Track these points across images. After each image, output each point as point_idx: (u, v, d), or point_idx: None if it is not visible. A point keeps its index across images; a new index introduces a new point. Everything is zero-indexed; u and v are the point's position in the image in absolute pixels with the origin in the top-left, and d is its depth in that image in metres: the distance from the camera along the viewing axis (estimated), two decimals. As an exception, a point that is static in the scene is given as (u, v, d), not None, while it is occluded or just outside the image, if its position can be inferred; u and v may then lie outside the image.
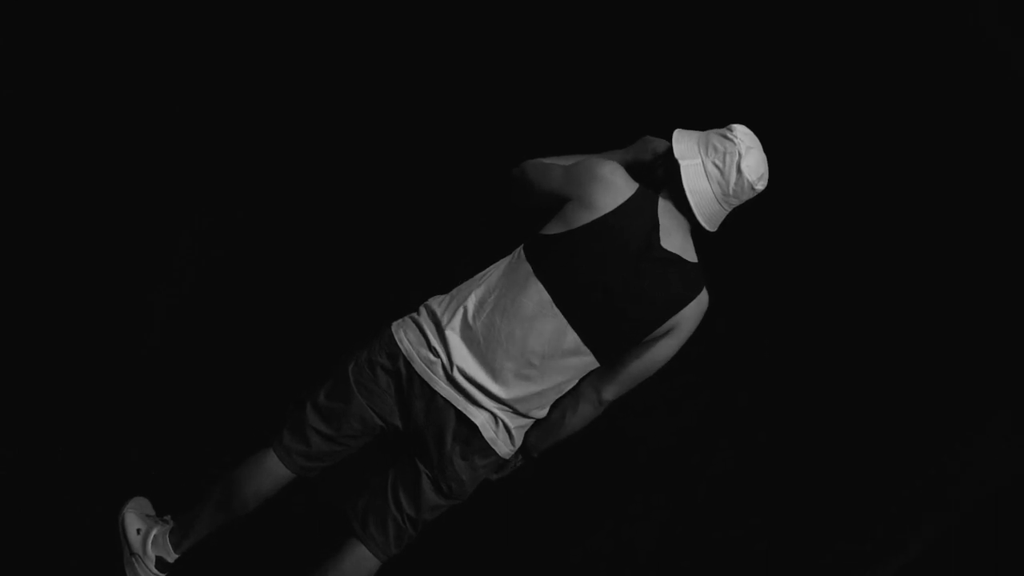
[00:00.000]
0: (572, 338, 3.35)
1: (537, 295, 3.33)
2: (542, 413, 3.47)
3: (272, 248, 3.96)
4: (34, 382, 3.74)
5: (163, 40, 3.78)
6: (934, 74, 3.77)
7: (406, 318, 3.43)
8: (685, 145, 3.37)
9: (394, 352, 3.40)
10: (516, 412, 3.43)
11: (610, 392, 3.44)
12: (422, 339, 3.39)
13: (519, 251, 3.37)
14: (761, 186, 3.35)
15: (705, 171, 3.35)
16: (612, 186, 3.32)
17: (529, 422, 3.47)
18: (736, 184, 3.33)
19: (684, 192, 3.34)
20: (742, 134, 3.36)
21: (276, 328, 3.96)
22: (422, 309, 3.41)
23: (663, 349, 3.39)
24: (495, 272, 3.39)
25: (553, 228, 3.34)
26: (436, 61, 3.95)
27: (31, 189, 3.71)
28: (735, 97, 3.93)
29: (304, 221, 4.01)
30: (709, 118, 3.54)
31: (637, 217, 3.32)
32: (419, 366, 3.38)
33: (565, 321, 3.34)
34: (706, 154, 3.36)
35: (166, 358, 3.85)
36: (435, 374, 3.38)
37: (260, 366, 3.94)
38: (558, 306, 3.33)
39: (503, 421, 3.42)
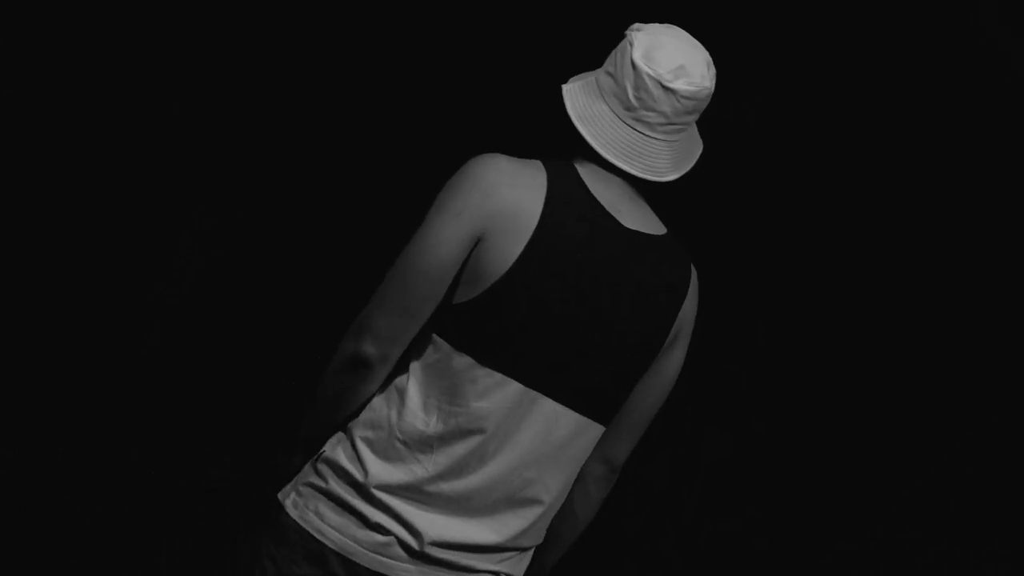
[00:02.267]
0: (569, 419, 2.34)
1: (498, 389, 2.29)
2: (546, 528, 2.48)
3: (272, 248, 3.97)
4: (34, 382, 3.75)
5: (163, 40, 3.78)
6: (934, 74, 3.78)
7: (302, 489, 2.35)
8: (573, 82, 2.41)
9: (317, 550, 2.31)
10: (523, 550, 2.44)
11: (623, 451, 2.51)
12: (350, 515, 2.31)
13: (432, 343, 2.30)
14: (684, 84, 2.32)
15: (598, 84, 2.36)
16: (516, 184, 2.29)
17: (530, 552, 2.48)
18: (636, 87, 2.31)
19: (576, 128, 2.36)
20: (643, 26, 2.39)
21: (276, 328, 3.97)
22: (321, 468, 2.34)
23: (673, 363, 2.48)
24: (410, 387, 2.32)
25: (470, 290, 2.27)
26: (439, 62, 3.95)
27: (31, 189, 3.72)
28: (734, 96, 3.93)
29: (304, 221, 4.02)
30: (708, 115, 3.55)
31: (572, 206, 2.31)
32: (367, 558, 2.31)
33: (552, 402, 2.32)
34: (597, 71, 2.39)
35: (166, 358, 3.86)
36: (395, 559, 2.32)
37: (260, 366, 3.95)
38: (534, 387, 2.30)
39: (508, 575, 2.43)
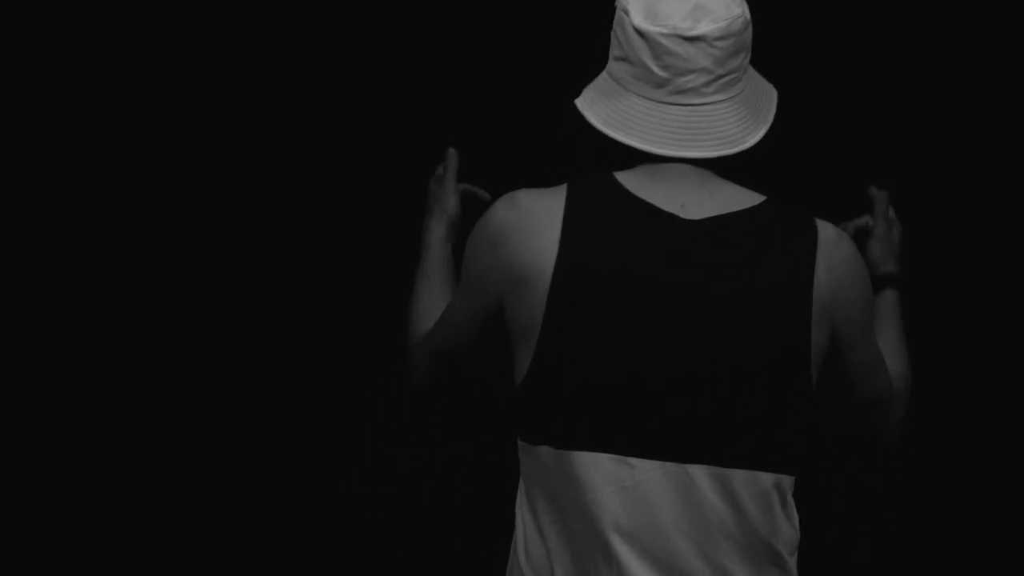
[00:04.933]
0: (704, 477, 1.80)
1: (596, 474, 1.81)
2: None
3: (272, 248, 3.96)
4: (34, 382, 3.73)
5: (163, 40, 3.77)
6: (934, 73, 3.77)
7: None
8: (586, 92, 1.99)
9: None
10: None
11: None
12: None
13: (519, 448, 1.91)
14: (710, 25, 1.85)
15: (613, 78, 1.92)
16: (523, 219, 1.86)
17: None
18: (657, 55, 1.86)
19: (612, 138, 1.90)
20: None
21: (276, 328, 3.95)
22: None
23: (856, 353, 1.93)
24: (524, 513, 1.90)
25: (520, 368, 1.87)
26: (441, 64, 3.94)
27: (30, 190, 3.71)
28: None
29: (304, 221, 4.01)
30: None
31: (598, 221, 1.85)
32: None
33: (672, 466, 1.80)
34: (605, 68, 1.98)
35: (165, 358, 3.84)
36: None
37: (260, 367, 3.93)
38: (642, 454, 1.81)
39: None
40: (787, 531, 1.88)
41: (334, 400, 3.78)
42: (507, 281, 1.86)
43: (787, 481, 1.87)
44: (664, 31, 1.87)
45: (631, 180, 1.88)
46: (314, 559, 3.68)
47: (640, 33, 1.88)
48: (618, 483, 1.80)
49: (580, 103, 1.94)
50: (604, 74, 1.96)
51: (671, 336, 1.81)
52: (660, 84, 1.87)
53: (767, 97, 1.95)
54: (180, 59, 3.75)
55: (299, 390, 3.81)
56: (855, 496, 3.69)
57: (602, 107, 1.91)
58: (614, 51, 1.94)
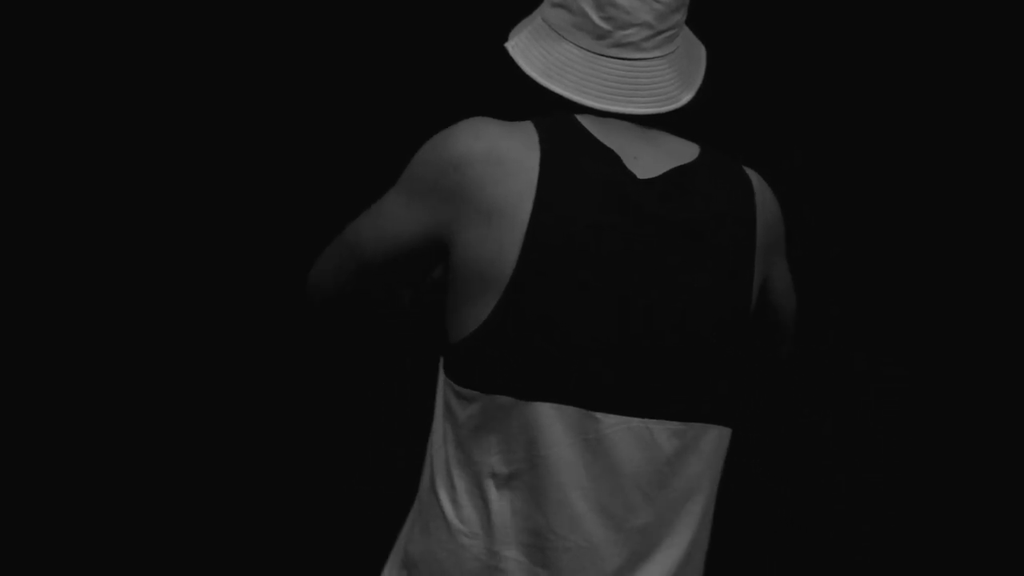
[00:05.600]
0: (663, 432, 1.80)
1: (558, 425, 1.75)
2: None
3: (271, 249, 3.96)
4: (34, 382, 3.74)
5: (163, 40, 3.78)
6: (933, 72, 3.78)
7: None
8: (515, 35, 1.91)
9: None
10: None
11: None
12: None
13: (459, 396, 1.80)
14: None
15: (549, 25, 1.85)
16: (492, 152, 1.77)
17: None
18: (599, 5, 1.82)
19: (546, 88, 1.83)
20: None
21: (276, 328, 3.96)
22: None
23: (777, 280, 1.98)
24: (455, 464, 1.81)
25: (472, 313, 1.76)
26: (437, 64, 3.95)
27: (30, 190, 3.71)
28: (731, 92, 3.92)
29: (304, 221, 4.02)
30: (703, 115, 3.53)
31: (575, 169, 1.77)
32: None
33: (636, 421, 1.78)
34: (538, 10, 1.91)
35: (165, 358, 3.85)
36: None
37: (260, 366, 3.94)
38: (603, 408, 1.76)
39: None
40: (714, 491, 1.88)
41: (334, 400, 3.79)
42: (468, 211, 1.76)
43: (728, 437, 1.89)
44: None
45: (592, 125, 1.83)
46: (314, 559, 3.69)
47: None
48: (581, 436, 1.76)
49: (512, 49, 1.88)
50: (539, 19, 1.89)
51: (639, 293, 1.78)
52: (600, 36, 1.82)
53: (698, 56, 1.93)
54: (179, 59, 3.75)
55: (299, 390, 3.81)
56: (855, 496, 3.69)
57: (536, 55, 1.85)
58: None
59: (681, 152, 1.86)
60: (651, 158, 1.83)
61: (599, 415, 1.76)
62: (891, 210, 3.72)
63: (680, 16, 1.86)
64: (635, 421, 1.77)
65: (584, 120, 1.83)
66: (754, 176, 1.90)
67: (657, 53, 1.84)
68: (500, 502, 1.76)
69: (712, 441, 1.83)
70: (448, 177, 1.77)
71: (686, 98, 1.88)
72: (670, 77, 1.86)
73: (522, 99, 1.88)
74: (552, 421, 1.75)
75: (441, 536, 1.82)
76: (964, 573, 3.68)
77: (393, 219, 1.83)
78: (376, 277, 1.88)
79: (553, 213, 1.75)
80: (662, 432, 1.78)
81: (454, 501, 1.80)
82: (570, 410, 1.75)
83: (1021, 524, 3.68)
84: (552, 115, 1.83)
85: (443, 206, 1.78)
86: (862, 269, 3.76)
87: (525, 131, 1.79)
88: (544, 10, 1.88)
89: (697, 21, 2.02)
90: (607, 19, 1.81)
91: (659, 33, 1.84)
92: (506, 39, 1.91)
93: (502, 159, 1.76)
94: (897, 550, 3.73)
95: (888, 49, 3.70)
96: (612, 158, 1.80)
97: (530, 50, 1.85)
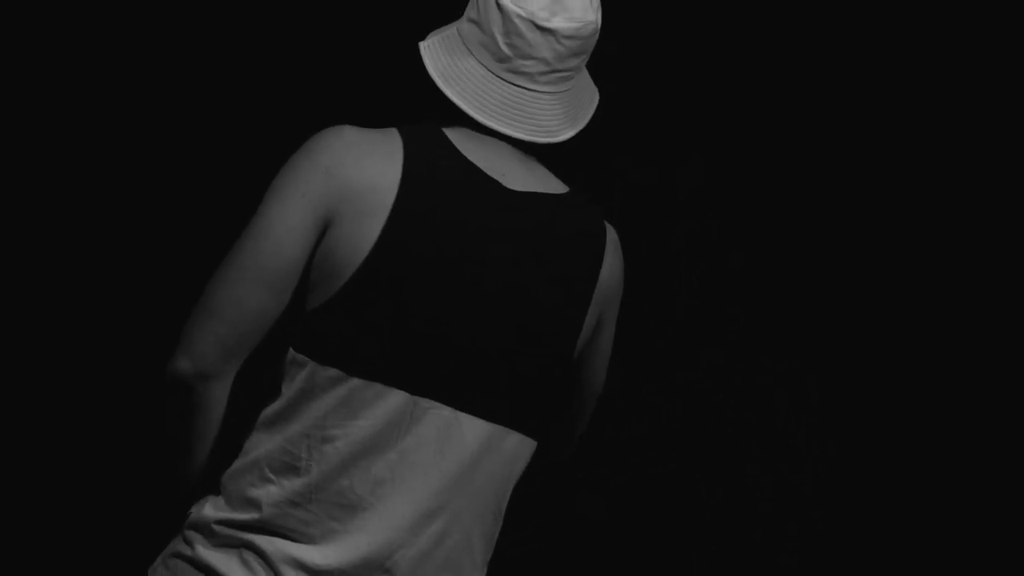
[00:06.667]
0: (474, 427, 1.94)
1: (379, 403, 1.91)
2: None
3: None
4: (34, 383, 3.70)
5: (162, 40, 3.75)
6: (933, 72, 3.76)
7: (168, 562, 1.99)
8: (432, 37, 2.06)
9: None
10: None
11: (578, 432, 2.24)
12: None
13: (295, 362, 1.94)
14: (564, 21, 1.96)
15: (461, 36, 2.00)
16: (365, 156, 1.92)
17: None
18: (507, 32, 1.95)
19: (441, 91, 1.98)
20: None
21: (275, 329, 3.84)
22: (188, 534, 1.97)
23: (604, 342, 2.12)
24: (279, 420, 1.94)
25: (325, 290, 1.91)
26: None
27: (29, 191, 3.67)
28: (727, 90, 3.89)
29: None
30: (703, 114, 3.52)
31: (438, 174, 1.93)
32: None
33: (448, 410, 1.93)
34: (458, 21, 2.04)
35: (165, 358, 3.77)
36: None
37: (259, 367, 3.88)
38: (422, 393, 1.92)
39: None
40: (507, 494, 2.03)
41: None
42: (340, 208, 1.89)
43: (531, 448, 2.03)
44: (521, 13, 1.94)
45: (459, 140, 1.97)
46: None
47: (499, 7, 1.95)
48: (397, 414, 1.90)
49: (423, 48, 2.01)
50: (454, 29, 2.02)
51: (480, 296, 1.92)
52: (500, 59, 1.95)
53: (589, 102, 2.07)
54: (176, 58, 3.71)
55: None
56: (851, 499, 3.70)
57: (442, 59, 1.98)
58: (469, 12, 2.00)
59: (551, 184, 2.01)
60: (520, 178, 1.97)
61: (417, 398, 1.90)
62: (796, 213, 3.73)
63: (578, 61, 1.99)
64: (447, 410, 1.91)
65: (451, 132, 1.98)
66: (612, 235, 2.05)
67: (549, 88, 1.97)
68: (309, 461, 1.91)
69: (513, 445, 1.97)
70: (324, 179, 1.90)
71: (566, 135, 2.01)
72: (557, 112, 1.99)
73: (417, 100, 2.09)
74: (373, 398, 1.89)
75: (252, 473, 1.96)
76: (891, 570, 3.70)
77: (280, 223, 1.91)
78: (254, 308, 1.95)
79: (412, 210, 1.89)
80: (470, 426, 1.92)
81: (269, 457, 1.95)
82: (391, 391, 1.90)
83: (944, 519, 3.67)
84: (421, 124, 1.98)
85: (324, 203, 1.89)
86: (765, 273, 3.75)
87: (390, 136, 1.94)
88: (461, 22, 2.01)
89: (605, 23, 2.13)
90: (510, 46, 1.94)
91: (554, 71, 1.96)
92: (422, 39, 2.06)
93: (369, 158, 1.91)
94: (824, 550, 3.74)
95: (785, 50, 3.69)
96: (473, 168, 1.95)
97: (438, 55, 1.99)
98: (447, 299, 1.90)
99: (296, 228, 1.89)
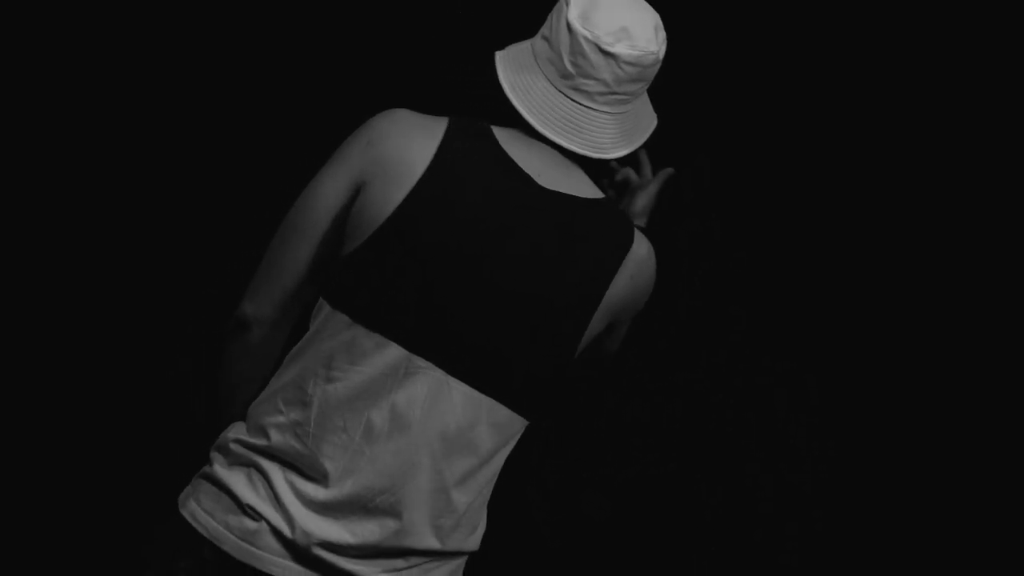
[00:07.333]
0: (461, 394, 2.06)
1: (377, 353, 2.05)
2: (473, 542, 2.19)
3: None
4: (35, 383, 3.72)
5: (163, 41, 3.75)
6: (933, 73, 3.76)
7: (194, 481, 2.14)
8: (509, 49, 2.23)
9: (193, 542, 2.09)
10: (421, 554, 2.13)
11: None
12: (228, 500, 2.08)
13: (319, 306, 2.12)
14: (626, 48, 2.11)
15: (533, 51, 2.17)
16: (407, 133, 2.09)
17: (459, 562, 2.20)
18: (573, 52, 2.10)
19: (508, 99, 2.16)
20: None
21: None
22: (212, 454, 2.14)
23: (611, 342, 2.28)
24: (296, 354, 2.11)
25: (351, 243, 2.08)
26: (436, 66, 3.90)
27: (30, 191, 3.68)
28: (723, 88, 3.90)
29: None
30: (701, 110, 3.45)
31: (471, 160, 2.10)
32: (236, 547, 2.06)
33: (439, 372, 2.05)
34: (534, 37, 2.21)
35: (166, 359, 3.82)
36: (263, 548, 2.06)
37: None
38: (417, 352, 2.06)
39: None
40: (496, 464, 2.16)
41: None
42: (376, 171, 2.07)
43: (521, 424, 2.15)
44: (588, 36, 2.10)
45: (504, 137, 2.14)
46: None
47: (569, 28, 2.11)
48: (391, 369, 2.05)
49: (498, 57, 2.19)
50: (529, 44, 2.19)
51: (486, 274, 2.06)
52: (564, 76, 2.12)
53: (646, 126, 2.23)
54: (176, 58, 3.72)
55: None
56: (851, 499, 3.71)
57: (512, 70, 2.16)
58: (544, 29, 2.17)
59: (584, 190, 2.15)
60: (554, 179, 2.12)
61: (413, 356, 2.05)
62: (798, 215, 3.73)
63: (637, 87, 2.15)
64: (439, 372, 2.06)
65: (500, 131, 2.15)
66: (641, 248, 2.16)
67: (606, 108, 2.13)
68: (313, 397, 2.08)
69: (503, 419, 2.10)
70: (364, 148, 2.10)
71: (616, 153, 2.17)
72: (609, 131, 2.15)
73: (485, 103, 2.24)
74: (372, 348, 2.05)
75: (269, 403, 2.12)
76: (891, 570, 3.70)
77: (318, 193, 2.13)
78: (295, 260, 2.14)
79: (437, 184, 2.06)
80: (461, 392, 2.06)
81: (283, 389, 2.11)
82: (389, 343, 2.05)
83: (944, 518, 3.68)
84: (474, 119, 2.16)
85: (359, 167, 2.09)
86: (766, 274, 3.76)
87: (438, 121, 2.13)
88: (536, 38, 2.18)
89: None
90: (574, 64, 2.10)
91: (613, 93, 2.12)
92: (500, 48, 2.23)
93: (407, 131, 2.09)
94: (824, 550, 3.75)
95: (788, 53, 3.72)
96: (508, 161, 2.11)
97: (509, 64, 2.17)
98: (455, 270, 2.05)
99: (335, 188, 2.10)
